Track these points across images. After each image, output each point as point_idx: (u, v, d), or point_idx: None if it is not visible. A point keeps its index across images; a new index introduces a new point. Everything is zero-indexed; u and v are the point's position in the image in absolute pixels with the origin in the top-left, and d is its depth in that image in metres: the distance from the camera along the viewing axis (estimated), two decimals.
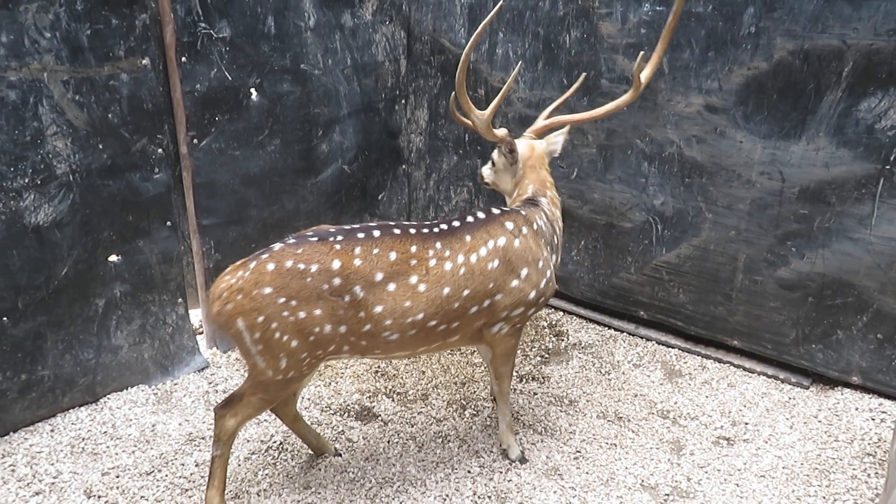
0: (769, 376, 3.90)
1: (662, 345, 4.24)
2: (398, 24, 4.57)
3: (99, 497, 2.99)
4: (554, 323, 4.51)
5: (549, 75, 4.17)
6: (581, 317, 4.56)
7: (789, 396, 3.74)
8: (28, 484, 3.06)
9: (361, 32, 4.33)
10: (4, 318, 3.14)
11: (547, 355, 4.16)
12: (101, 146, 3.28)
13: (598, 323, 4.49)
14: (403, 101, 4.80)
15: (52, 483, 3.07)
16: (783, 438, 3.42)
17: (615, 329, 4.42)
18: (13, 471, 3.13)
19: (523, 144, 3.20)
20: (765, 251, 3.73)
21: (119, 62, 3.25)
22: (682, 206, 3.92)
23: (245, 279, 2.50)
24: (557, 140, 3.28)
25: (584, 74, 3.54)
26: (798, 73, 3.37)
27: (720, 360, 4.05)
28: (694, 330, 4.13)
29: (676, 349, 4.19)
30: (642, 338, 4.31)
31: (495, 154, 3.28)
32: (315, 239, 2.60)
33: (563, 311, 4.63)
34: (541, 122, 3.33)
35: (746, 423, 3.53)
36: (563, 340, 4.32)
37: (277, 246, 2.59)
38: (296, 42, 3.96)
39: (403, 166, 4.99)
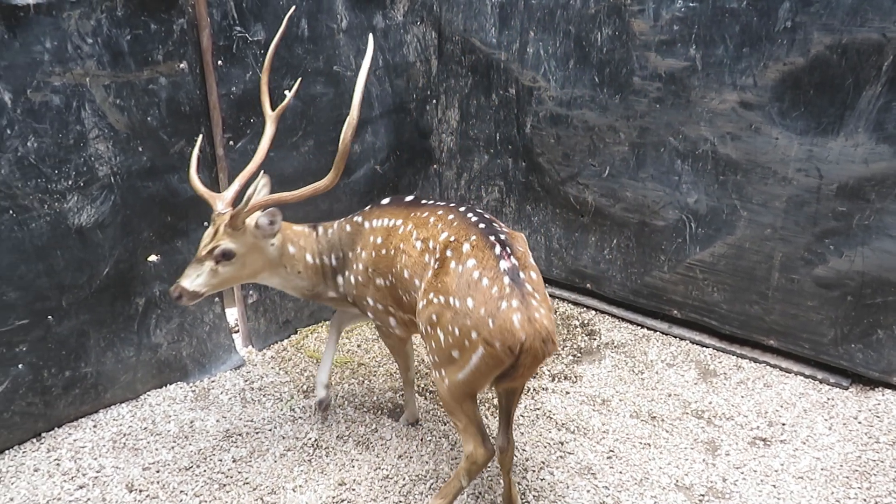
0: (807, 376, 3.84)
1: (696, 344, 4.19)
2: (429, 24, 4.59)
3: (140, 491, 3.07)
4: (586, 322, 4.49)
5: (581, 73, 4.16)
6: (613, 316, 4.54)
7: (828, 397, 3.68)
8: (73, 477, 3.15)
9: (393, 33, 4.37)
10: (49, 317, 3.23)
11: (579, 354, 4.15)
12: (140, 149, 3.36)
13: (631, 322, 4.46)
14: (434, 101, 4.82)
15: (96, 477, 3.15)
16: (822, 440, 3.36)
17: (648, 328, 4.39)
18: (58, 465, 3.22)
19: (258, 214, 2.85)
20: (802, 249, 3.67)
21: (158, 66, 3.32)
22: (716, 203, 3.88)
23: None
24: (263, 192, 2.91)
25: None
26: (836, 67, 3.32)
27: (756, 360, 4.00)
28: (729, 329, 4.08)
29: (711, 348, 4.14)
30: (676, 337, 4.28)
31: (232, 241, 2.80)
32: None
33: (596, 309, 4.61)
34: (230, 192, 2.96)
35: (783, 424, 3.48)
36: (595, 339, 4.30)
37: None
38: (329, 44, 4.01)
39: (435, 166, 5.01)
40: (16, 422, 3.27)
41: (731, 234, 3.87)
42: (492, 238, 2.51)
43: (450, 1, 4.57)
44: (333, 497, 3.05)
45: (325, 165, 4.17)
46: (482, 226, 2.58)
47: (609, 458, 3.28)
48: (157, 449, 3.32)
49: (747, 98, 3.61)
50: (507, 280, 2.38)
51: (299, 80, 3.35)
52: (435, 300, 2.48)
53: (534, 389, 3.79)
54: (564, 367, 4.00)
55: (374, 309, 2.99)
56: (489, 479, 3.15)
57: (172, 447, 3.34)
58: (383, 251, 2.85)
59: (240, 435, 3.44)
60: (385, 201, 3.02)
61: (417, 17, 4.50)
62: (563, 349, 4.19)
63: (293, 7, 3.55)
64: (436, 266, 2.52)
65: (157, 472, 3.19)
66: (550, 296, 4.81)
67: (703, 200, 3.92)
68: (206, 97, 3.57)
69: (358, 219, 3.01)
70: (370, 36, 2.75)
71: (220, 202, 2.88)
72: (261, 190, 2.87)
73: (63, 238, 3.19)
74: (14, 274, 3.07)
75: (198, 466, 3.22)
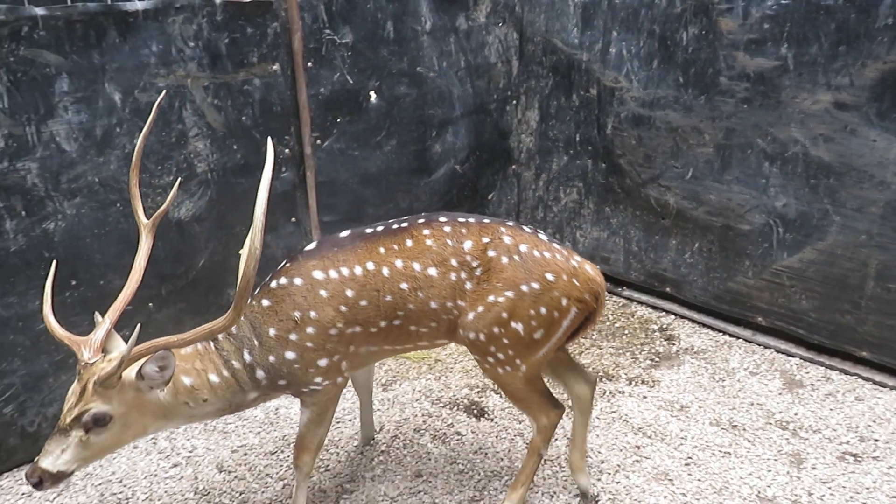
0: None
1: (782, 353, 4.06)
2: (511, 25, 4.62)
3: (229, 472, 3.23)
4: (665, 326, 4.42)
5: (664, 74, 4.09)
6: (693, 321, 4.44)
7: None
8: (167, 456, 3.35)
9: (475, 35, 4.42)
10: (150, 304, 3.44)
11: (657, 359, 4.09)
12: (234, 147, 3.53)
13: (712, 328, 4.36)
14: (514, 102, 4.85)
15: (188, 457, 3.33)
16: None
17: (730, 335, 4.28)
18: (155, 444, 3.43)
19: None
20: None
21: (252, 68, 3.48)
22: (806, 208, 3.74)
23: None
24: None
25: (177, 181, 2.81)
26: None
27: (846, 372, 3.84)
28: (817, 339, 3.93)
29: (797, 358, 4.00)
30: (760, 345, 4.15)
31: (105, 402, 2.13)
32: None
33: (675, 314, 4.53)
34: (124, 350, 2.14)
35: (876, 440, 3.33)
36: (674, 344, 4.22)
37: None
38: (413, 46, 4.10)
39: (513, 166, 5.03)
40: None
41: (822, 239, 3.73)
42: (506, 221, 2.63)
43: (532, 2, 4.59)
44: (410, 488, 3.12)
45: (406, 165, 4.31)
46: (473, 220, 2.59)
47: (687, 464, 3.23)
48: (244, 433, 3.48)
49: (843, 98, 3.47)
50: (556, 244, 2.58)
51: (178, 181, 2.85)
52: (500, 299, 2.47)
53: (609, 392, 3.76)
54: (642, 371, 3.95)
55: (325, 369, 2.50)
56: (564, 478, 3.15)
57: (259, 432, 3.49)
58: (363, 302, 2.47)
59: None
60: (309, 250, 2.55)
61: (499, 18, 4.53)
62: (640, 353, 4.14)
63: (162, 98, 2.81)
64: (479, 273, 2.49)
65: (245, 454, 3.34)
66: (628, 299, 4.75)
67: (793, 204, 3.79)
68: (295, 97, 3.71)
69: (280, 282, 2.47)
70: (269, 142, 2.31)
71: (87, 349, 2.18)
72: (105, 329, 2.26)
73: (164, 230, 3.38)
74: (120, 262, 3.28)
75: (282, 451, 3.36)
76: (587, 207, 4.81)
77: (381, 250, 2.50)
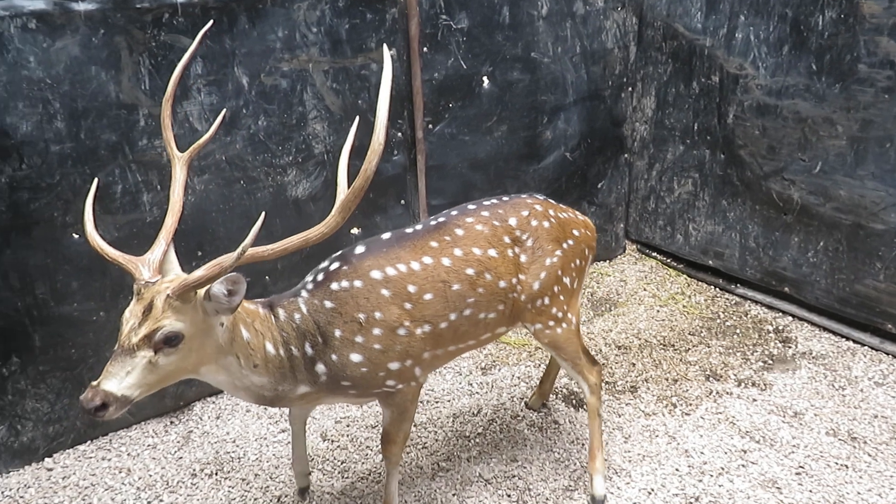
0: None
1: None
2: (630, 9, 4.49)
3: (332, 441, 3.38)
4: (781, 328, 4.19)
5: (796, 60, 3.85)
6: (813, 324, 4.19)
7: None
8: (276, 421, 3.55)
9: (592, 19, 4.33)
10: (267, 277, 3.64)
11: (771, 361, 3.89)
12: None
13: (834, 332, 4.09)
14: (630, 89, 4.72)
15: None
16: None
17: (854, 341, 4.00)
18: (266, 409, 3.64)
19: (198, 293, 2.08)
20: None
21: (370, 53, 3.58)
22: None
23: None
24: (171, 259, 2.23)
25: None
26: None
27: None
28: None
29: None
30: (888, 354, 3.86)
31: (178, 319, 1.99)
32: None
33: (793, 315, 4.28)
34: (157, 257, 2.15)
35: None
36: (790, 347, 4.00)
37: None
38: (528, 31, 4.07)
39: (625, 155, 4.91)
40: None
41: None
42: (521, 195, 2.83)
43: None
44: (505, 472, 3.15)
45: (516, 151, 4.30)
46: (497, 200, 2.78)
47: (798, 474, 3.07)
48: (348, 406, 3.63)
49: None
50: (562, 205, 2.92)
51: (223, 112, 2.66)
52: (555, 259, 2.72)
53: (716, 392, 3.62)
54: (753, 373, 3.77)
55: (397, 372, 2.45)
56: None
57: (361, 407, 3.63)
58: (428, 295, 2.43)
59: (421, 402, 3.65)
60: (359, 253, 2.46)
61: (619, 2, 4.41)
62: (752, 354, 3.95)
63: None
64: (531, 243, 2.68)
65: (348, 426, 3.49)
66: (742, 297, 4.54)
67: None
68: (410, 82, 3.79)
69: (341, 284, 2.38)
70: (384, 49, 2.31)
71: (145, 268, 2.08)
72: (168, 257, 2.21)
73: (282, 207, 3.57)
74: (241, 237, 3.45)
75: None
76: (702, 200, 4.62)
77: (434, 244, 2.50)
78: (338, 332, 2.34)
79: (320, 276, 2.43)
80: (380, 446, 2.72)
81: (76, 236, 3.07)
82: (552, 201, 2.88)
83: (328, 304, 2.36)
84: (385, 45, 2.48)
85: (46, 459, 3.30)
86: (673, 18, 4.41)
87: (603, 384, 3.07)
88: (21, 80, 2.78)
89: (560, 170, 4.55)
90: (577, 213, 2.97)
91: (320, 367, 2.35)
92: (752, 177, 4.26)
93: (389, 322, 2.38)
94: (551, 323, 2.79)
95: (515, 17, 3.99)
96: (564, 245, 2.76)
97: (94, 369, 3.29)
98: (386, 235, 2.54)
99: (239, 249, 1.95)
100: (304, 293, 2.39)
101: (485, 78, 4.01)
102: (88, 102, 2.92)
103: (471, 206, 2.71)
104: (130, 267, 2.08)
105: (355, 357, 2.35)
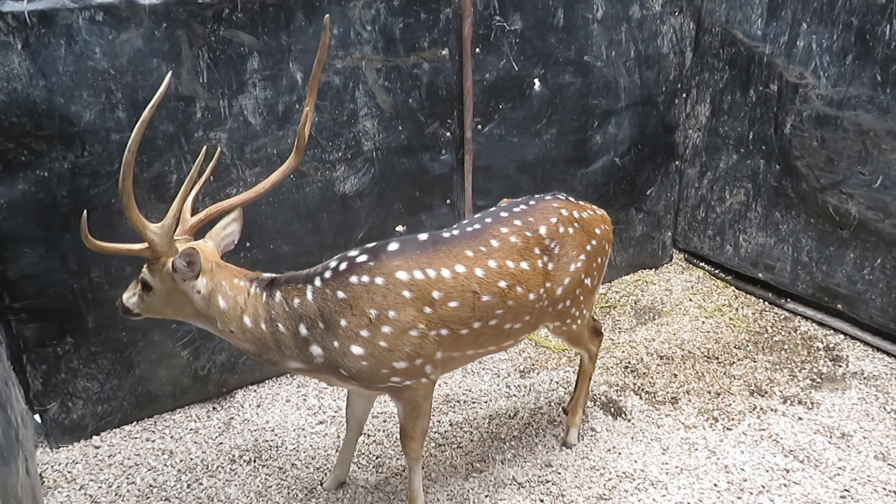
0: None
1: None
2: (688, 14, 4.41)
3: (368, 435, 3.41)
4: (831, 346, 4.07)
5: (859, 71, 3.73)
6: (867, 343, 4.05)
7: None
8: (315, 413, 3.60)
9: (648, 24, 4.27)
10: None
11: (819, 380, 3.78)
12: (400, 128, 3.68)
13: (889, 353, 3.95)
14: (684, 96, 4.64)
15: (333, 416, 3.57)
16: None
17: None
18: (305, 400, 3.69)
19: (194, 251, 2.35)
20: None
21: (423, 52, 3.60)
22: None
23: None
24: (231, 229, 2.60)
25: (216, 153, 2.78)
26: None
27: None
28: None
29: None
30: None
31: (150, 275, 2.41)
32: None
33: (845, 334, 4.15)
34: (191, 220, 2.52)
35: None
36: (840, 366, 3.88)
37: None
38: (582, 34, 4.03)
39: (676, 162, 4.83)
40: None
41: None
42: (545, 196, 2.86)
43: None
44: (539, 476, 3.14)
45: (564, 154, 4.27)
46: (525, 206, 2.79)
47: (843, 497, 2.98)
48: (385, 401, 3.66)
49: None
50: (581, 202, 2.94)
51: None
52: (578, 265, 2.78)
53: (760, 408, 3.54)
54: (800, 391, 3.67)
55: (404, 371, 2.47)
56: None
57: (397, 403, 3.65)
58: (453, 303, 2.46)
59: (458, 402, 3.66)
60: (392, 250, 2.48)
61: (676, 6, 4.34)
62: (799, 371, 3.84)
63: None
64: (557, 251, 2.72)
65: (384, 421, 3.52)
66: (791, 312, 4.42)
67: None
68: (461, 82, 3.79)
69: (361, 279, 2.41)
70: (326, 18, 2.38)
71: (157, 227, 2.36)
72: (229, 225, 2.60)
73: (329, 202, 3.62)
74: (288, 230, 3.55)
75: None
76: (754, 211, 4.51)
77: (469, 253, 2.53)
78: (343, 322, 2.39)
79: (343, 266, 2.46)
80: (400, 443, 2.74)
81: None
82: (572, 199, 2.91)
83: (341, 294, 2.40)
84: (327, 17, 2.44)
85: (94, 437, 3.41)
86: (732, 24, 4.32)
87: (597, 354, 3.32)
88: (86, 71, 2.88)
89: (608, 175, 4.50)
90: (594, 207, 3.00)
91: (315, 350, 2.43)
92: (807, 189, 4.14)
93: (402, 323, 2.41)
94: (568, 321, 2.93)
95: (570, 20, 3.96)
96: (588, 248, 2.82)
97: (142, 352, 3.40)
98: (423, 236, 2.56)
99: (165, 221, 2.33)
100: (317, 281, 2.44)
101: (536, 80, 3.99)
102: (149, 93, 3.01)
103: (503, 214, 2.71)
104: (187, 250, 2.36)
105: (356, 349, 2.40)
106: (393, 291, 2.40)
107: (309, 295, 2.42)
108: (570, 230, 2.75)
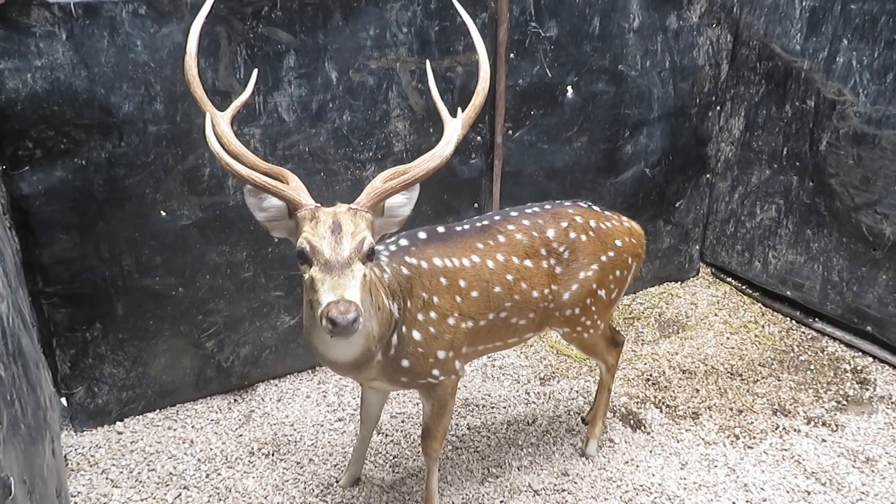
0: None
1: None
2: (726, 27, 4.37)
3: (386, 435, 3.43)
4: (859, 368, 4.00)
5: None
6: None
7: None
8: (334, 410, 3.63)
9: (685, 35, 4.23)
10: None
11: (845, 402, 3.72)
12: (431, 130, 3.69)
13: None
14: (718, 108, 4.59)
15: (352, 414, 3.59)
16: None
17: None
18: (324, 396, 3.72)
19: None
20: None
21: (457, 56, 3.61)
22: None
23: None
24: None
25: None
26: None
27: None
28: None
29: None
30: None
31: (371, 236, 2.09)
32: None
33: (874, 356, 4.07)
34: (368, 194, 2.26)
35: None
36: (867, 389, 3.81)
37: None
38: (617, 43, 4.01)
39: (707, 175, 4.78)
40: (298, 353, 3.83)
41: None
42: (564, 203, 2.88)
43: (753, 3, 4.30)
44: (555, 485, 3.13)
45: (594, 163, 4.26)
46: (539, 208, 2.81)
47: None
48: (404, 402, 3.67)
49: None
50: (607, 212, 2.92)
51: (255, 72, 2.58)
52: (589, 274, 2.76)
53: (783, 428, 3.49)
54: (824, 412, 3.61)
55: (442, 362, 2.49)
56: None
57: (417, 404, 3.66)
58: (475, 293, 2.51)
59: (476, 406, 3.66)
60: (423, 238, 2.55)
61: (714, 18, 4.30)
62: (825, 392, 3.78)
63: None
64: (567, 255, 2.71)
65: (402, 422, 3.53)
66: (819, 332, 4.35)
67: None
68: (493, 87, 3.79)
69: (413, 260, 2.44)
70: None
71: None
72: None
73: None
74: None
75: None
76: (785, 227, 4.45)
77: (480, 245, 2.60)
78: (409, 304, 2.40)
79: (392, 247, 2.50)
80: (420, 443, 2.77)
81: (164, 213, 3.23)
82: (596, 208, 2.90)
83: (405, 270, 2.41)
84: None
85: (118, 423, 3.47)
86: (770, 38, 4.27)
87: (617, 366, 3.28)
88: (127, 63, 2.94)
89: (638, 185, 4.47)
90: (624, 218, 2.97)
91: (394, 338, 2.38)
92: (841, 207, 4.07)
93: (444, 309, 2.47)
94: (579, 329, 2.91)
95: (605, 29, 3.94)
96: (603, 258, 2.79)
97: (168, 341, 3.45)
98: (441, 228, 2.65)
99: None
100: (383, 257, 2.40)
101: (569, 87, 3.98)
102: (186, 87, 3.06)
103: (513, 213, 2.78)
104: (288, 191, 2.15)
105: (416, 334, 2.42)
106: (435, 277, 2.47)
107: (388, 268, 2.38)
108: (583, 237, 2.76)
